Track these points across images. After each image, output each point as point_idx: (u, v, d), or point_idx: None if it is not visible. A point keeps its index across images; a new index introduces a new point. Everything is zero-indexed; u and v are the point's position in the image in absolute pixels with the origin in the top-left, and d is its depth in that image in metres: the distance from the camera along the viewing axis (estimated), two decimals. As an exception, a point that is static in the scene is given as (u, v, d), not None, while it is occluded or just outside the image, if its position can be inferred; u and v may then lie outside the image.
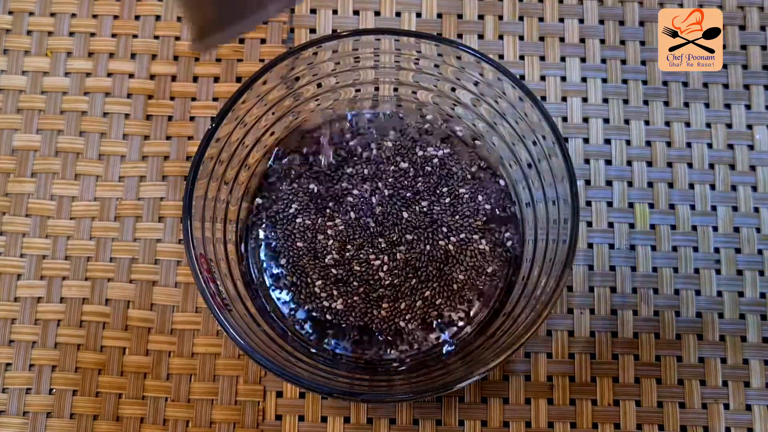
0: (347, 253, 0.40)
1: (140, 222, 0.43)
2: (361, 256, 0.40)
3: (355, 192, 0.41)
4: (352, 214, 0.40)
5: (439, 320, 0.39)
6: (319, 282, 0.40)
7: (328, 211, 0.40)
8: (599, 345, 0.42)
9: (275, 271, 0.40)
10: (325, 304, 0.39)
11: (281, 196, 0.41)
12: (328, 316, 0.39)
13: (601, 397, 0.41)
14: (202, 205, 0.36)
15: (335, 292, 0.40)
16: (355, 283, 0.40)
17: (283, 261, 0.40)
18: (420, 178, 0.41)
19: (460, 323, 0.40)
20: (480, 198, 0.41)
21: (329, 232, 0.40)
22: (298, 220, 0.40)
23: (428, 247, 0.40)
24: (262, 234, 0.41)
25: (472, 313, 0.40)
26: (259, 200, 0.41)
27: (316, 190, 0.41)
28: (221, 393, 0.41)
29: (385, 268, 0.40)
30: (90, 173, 0.43)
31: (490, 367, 0.34)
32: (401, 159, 0.41)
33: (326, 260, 0.40)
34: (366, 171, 0.41)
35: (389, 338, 0.39)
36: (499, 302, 0.40)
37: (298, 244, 0.40)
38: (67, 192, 0.43)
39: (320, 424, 0.41)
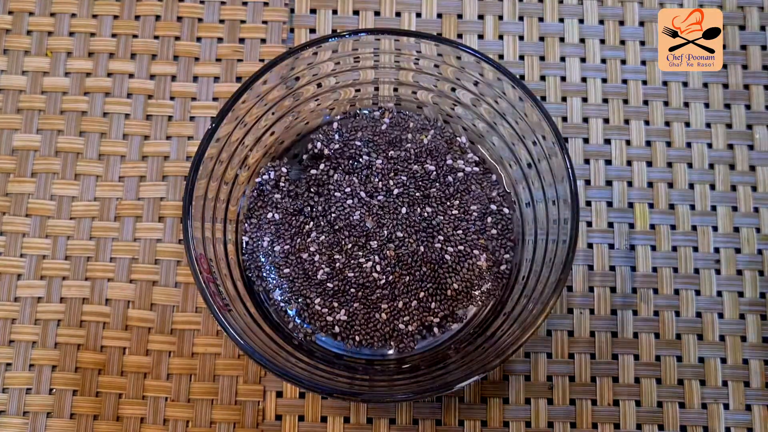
0: (338, 263, 0.39)
1: (140, 222, 0.43)
2: (352, 261, 0.39)
3: (348, 190, 0.40)
4: (336, 217, 0.39)
5: (438, 320, 0.39)
6: (318, 300, 0.39)
7: (306, 227, 0.40)
8: (599, 345, 0.42)
9: (277, 298, 0.40)
10: (329, 319, 0.39)
11: (252, 230, 0.40)
12: (336, 329, 0.39)
13: (601, 397, 0.41)
14: (202, 205, 0.36)
15: (336, 304, 0.39)
16: (352, 290, 0.39)
17: (278, 294, 0.40)
18: (437, 184, 0.40)
19: (459, 324, 0.39)
20: (489, 220, 0.40)
21: (312, 248, 0.39)
22: (276, 249, 0.40)
23: (422, 248, 0.39)
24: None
25: (470, 314, 0.40)
26: (246, 239, 0.40)
27: (284, 212, 0.40)
28: (221, 393, 0.41)
29: (378, 267, 0.39)
30: (90, 173, 0.43)
31: (490, 367, 0.34)
32: (431, 161, 0.40)
33: (319, 276, 0.39)
34: (379, 163, 0.40)
35: (389, 338, 0.39)
36: (499, 302, 0.40)
37: (285, 270, 0.40)
38: (67, 192, 0.43)
39: (320, 424, 0.41)
